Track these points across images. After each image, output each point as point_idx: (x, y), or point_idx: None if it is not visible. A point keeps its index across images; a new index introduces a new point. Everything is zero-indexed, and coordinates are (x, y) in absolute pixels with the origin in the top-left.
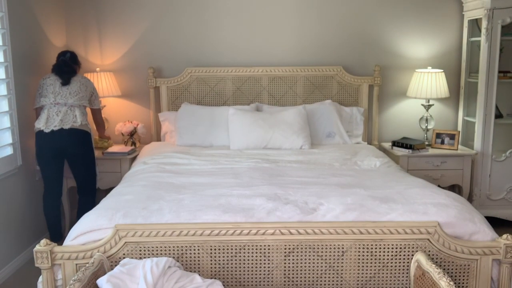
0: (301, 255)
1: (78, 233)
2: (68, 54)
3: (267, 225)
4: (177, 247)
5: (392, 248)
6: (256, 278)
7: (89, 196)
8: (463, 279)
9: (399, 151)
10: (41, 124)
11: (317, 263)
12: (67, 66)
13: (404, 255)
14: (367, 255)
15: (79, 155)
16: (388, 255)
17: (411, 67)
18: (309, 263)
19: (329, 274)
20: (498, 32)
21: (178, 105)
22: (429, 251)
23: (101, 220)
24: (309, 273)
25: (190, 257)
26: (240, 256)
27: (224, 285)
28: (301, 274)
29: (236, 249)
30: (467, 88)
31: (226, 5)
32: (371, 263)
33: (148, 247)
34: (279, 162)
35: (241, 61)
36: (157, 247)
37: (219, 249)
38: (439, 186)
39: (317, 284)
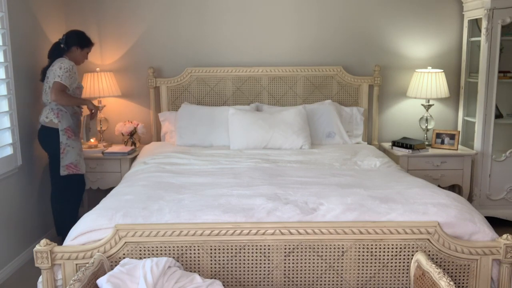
0: (301, 255)
1: (78, 233)
2: (64, 38)
3: (267, 225)
4: (177, 247)
5: (392, 248)
6: (256, 278)
7: (63, 202)
8: (463, 279)
9: (399, 151)
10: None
11: (317, 263)
12: (49, 57)
13: (404, 255)
14: (367, 255)
15: (47, 153)
16: (388, 255)
17: (411, 67)
18: (309, 263)
19: (329, 274)
20: (498, 32)
21: (178, 105)
22: (429, 251)
23: (101, 220)
24: (309, 273)
25: (190, 257)
26: (240, 256)
27: (224, 285)
28: (301, 274)
29: (236, 249)
30: (467, 88)
31: (226, 5)
32: (371, 263)
33: (148, 247)
34: (279, 162)
35: (241, 61)
36: (157, 247)
37: (219, 249)
38: (439, 186)
39: (317, 284)
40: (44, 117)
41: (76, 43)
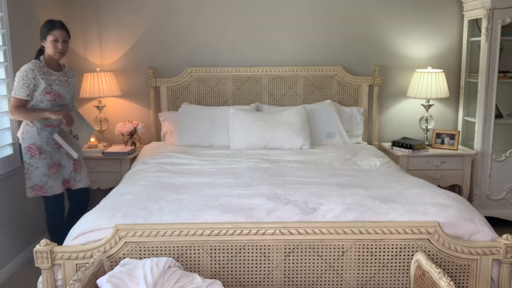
0: (301, 255)
1: (78, 233)
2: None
3: (267, 225)
4: (177, 247)
5: (392, 248)
6: (256, 278)
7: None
8: (463, 279)
9: (399, 151)
10: None
11: (317, 263)
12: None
13: (404, 255)
14: (367, 255)
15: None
16: (388, 255)
17: (411, 67)
18: (309, 263)
19: (329, 274)
20: (498, 32)
21: (178, 105)
22: (429, 251)
23: (101, 220)
24: (309, 273)
25: (190, 257)
26: (240, 256)
27: (224, 285)
28: (301, 274)
29: (236, 249)
30: (467, 88)
31: (226, 5)
32: (371, 263)
33: (148, 247)
34: (279, 162)
35: (241, 61)
36: (157, 247)
37: (219, 249)
38: (439, 186)
39: (317, 284)
40: (19, 132)
41: (40, 37)
